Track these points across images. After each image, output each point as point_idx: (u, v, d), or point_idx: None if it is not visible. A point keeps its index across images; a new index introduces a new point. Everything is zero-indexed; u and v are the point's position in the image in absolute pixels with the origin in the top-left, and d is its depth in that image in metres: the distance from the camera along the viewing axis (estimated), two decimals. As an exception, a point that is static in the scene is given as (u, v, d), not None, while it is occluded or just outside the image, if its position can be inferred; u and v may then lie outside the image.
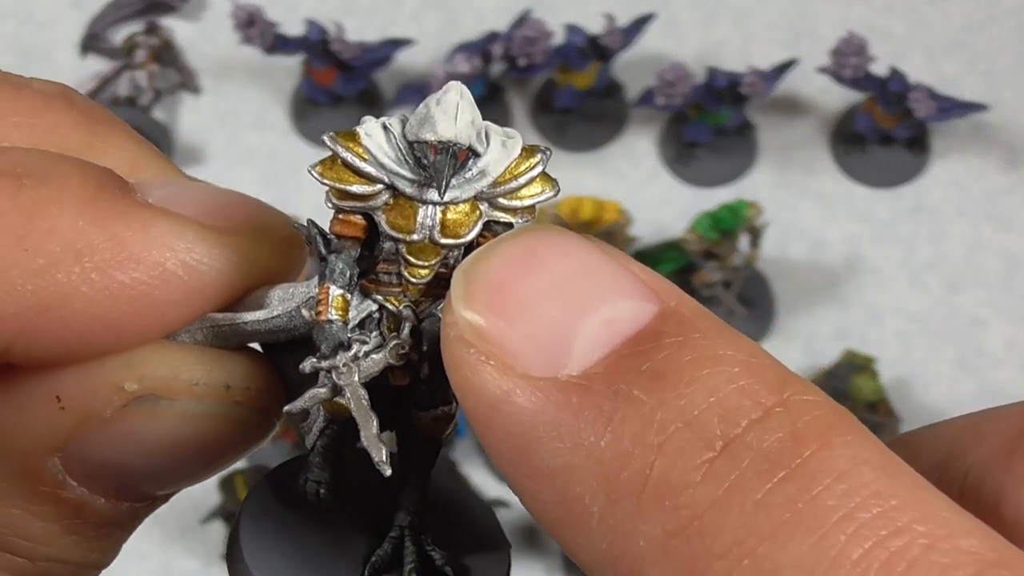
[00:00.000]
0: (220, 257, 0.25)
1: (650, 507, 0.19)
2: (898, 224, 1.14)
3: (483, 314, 0.21)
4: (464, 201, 0.24)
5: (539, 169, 0.24)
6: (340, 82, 1.14)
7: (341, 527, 0.27)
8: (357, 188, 0.24)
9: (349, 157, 0.24)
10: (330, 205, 0.25)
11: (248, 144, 1.18)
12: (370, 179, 0.24)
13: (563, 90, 1.14)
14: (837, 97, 1.16)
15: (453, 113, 0.23)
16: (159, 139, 1.13)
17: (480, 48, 1.13)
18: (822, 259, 1.13)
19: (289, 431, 0.96)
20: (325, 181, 0.24)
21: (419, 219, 0.24)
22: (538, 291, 0.21)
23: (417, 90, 1.14)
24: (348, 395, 0.25)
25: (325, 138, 0.24)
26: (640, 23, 1.16)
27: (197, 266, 0.25)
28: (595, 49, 1.13)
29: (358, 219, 0.25)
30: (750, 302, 1.09)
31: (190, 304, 0.25)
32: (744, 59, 1.17)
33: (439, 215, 0.24)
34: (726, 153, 1.15)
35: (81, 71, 1.20)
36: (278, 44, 1.11)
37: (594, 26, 1.13)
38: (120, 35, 1.22)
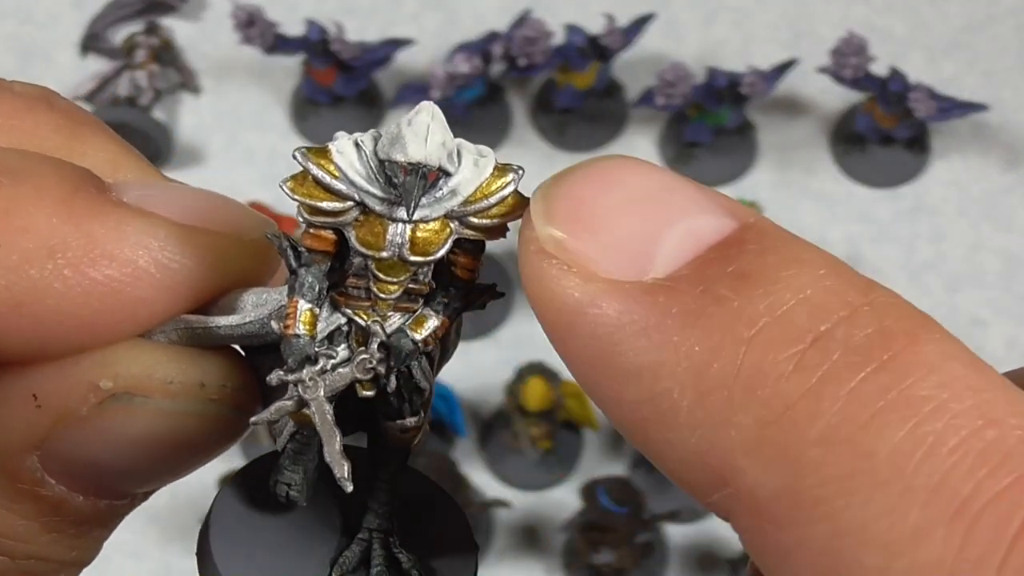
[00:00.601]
0: (193, 256, 0.26)
1: (741, 398, 0.19)
2: (898, 224, 1.14)
3: (564, 226, 0.21)
4: (434, 219, 0.24)
5: (511, 188, 0.24)
6: (340, 82, 1.14)
7: (310, 527, 0.27)
8: (327, 204, 0.24)
9: (319, 174, 0.24)
10: (301, 219, 0.25)
11: (248, 144, 1.18)
12: (340, 196, 0.24)
13: (563, 90, 1.14)
14: (837, 97, 1.16)
15: (424, 135, 0.23)
16: (159, 139, 1.13)
17: (480, 48, 1.13)
18: (822, 259, 1.12)
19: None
20: (295, 197, 0.24)
21: (388, 236, 0.24)
22: (619, 204, 0.21)
23: (417, 90, 1.14)
24: (313, 409, 0.25)
25: (296, 154, 0.24)
26: (640, 23, 1.16)
27: (170, 264, 0.25)
28: (595, 49, 1.13)
29: (328, 234, 0.25)
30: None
31: (163, 302, 0.25)
32: (744, 59, 1.17)
33: (408, 233, 0.24)
34: (726, 153, 1.15)
35: (81, 71, 1.20)
36: (278, 44, 1.11)
37: (594, 26, 1.13)
38: (120, 35, 1.22)
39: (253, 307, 0.26)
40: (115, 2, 1.22)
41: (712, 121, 1.12)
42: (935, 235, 1.13)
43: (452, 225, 0.25)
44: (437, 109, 0.23)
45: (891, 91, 1.08)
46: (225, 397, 0.26)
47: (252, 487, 0.28)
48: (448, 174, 0.24)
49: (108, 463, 0.26)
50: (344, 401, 0.25)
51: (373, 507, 0.27)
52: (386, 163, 0.24)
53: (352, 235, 0.25)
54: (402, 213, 0.24)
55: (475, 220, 0.25)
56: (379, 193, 0.24)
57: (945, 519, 0.18)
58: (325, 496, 0.27)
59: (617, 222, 0.21)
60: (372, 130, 0.25)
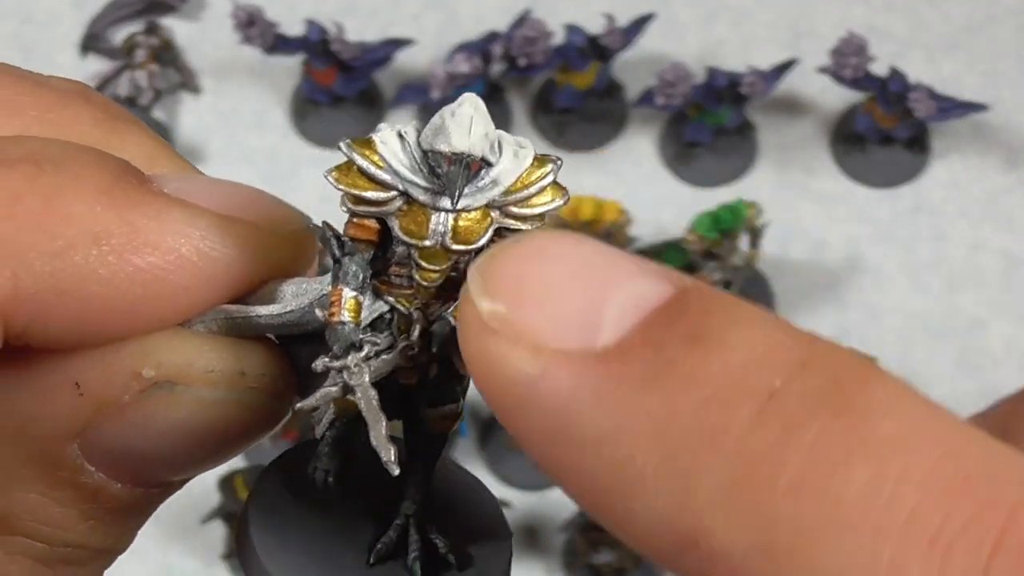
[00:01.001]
0: (233, 246, 0.26)
1: (706, 458, 0.19)
2: (898, 224, 1.14)
3: (506, 301, 0.21)
4: (476, 209, 0.25)
5: (550, 179, 0.25)
6: (340, 82, 1.14)
7: (347, 514, 0.28)
8: (371, 194, 0.25)
9: (364, 164, 0.24)
10: (344, 209, 0.25)
11: (248, 144, 1.18)
12: (384, 186, 0.25)
13: (563, 90, 1.14)
14: (837, 97, 1.16)
15: (467, 125, 0.24)
16: (159, 139, 1.13)
17: (480, 48, 1.13)
18: (822, 259, 1.13)
19: (289, 431, 0.96)
20: (340, 187, 0.25)
21: (432, 225, 0.25)
22: (559, 276, 0.22)
23: (417, 90, 1.14)
24: (359, 395, 0.25)
25: (342, 145, 0.25)
26: (640, 23, 1.16)
27: (210, 253, 0.25)
28: (595, 49, 1.13)
29: (372, 223, 0.25)
30: (750, 302, 1.09)
31: (203, 291, 0.26)
32: (744, 59, 1.17)
33: (451, 222, 0.25)
34: (726, 153, 1.15)
35: (81, 71, 1.20)
36: (278, 44, 1.11)
37: (594, 26, 1.13)
38: (120, 35, 1.22)
39: (293, 297, 0.27)
40: (115, 2, 1.22)
41: (712, 121, 1.12)
42: (935, 235, 1.13)
43: (493, 214, 0.25)
44: (479, 100, 0.24)
45: (891, 91, 1.08)
46: (264, 385, 0.27)
47: (289, 474, 0.28)
48: (490, 164, 0.24)
49: (148, 451, 0.26)
50: (381, 389, 0.26)
51: (409, 493, 0.27)
52: (429, 153, 0.24)
53: (395, 224, 0.25)
54: (446, 202, 0.24)
55: (515, 209, 0.25)
56: (423, 183, 0.24)
57: (919, 553, 0.18)
58: (360, 483, 0.27)
59: (560, 293, 0.21)
60: (414, 121, 0.25)
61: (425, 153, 0.24)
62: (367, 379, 0.25)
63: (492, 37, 1.15)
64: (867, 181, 1.15)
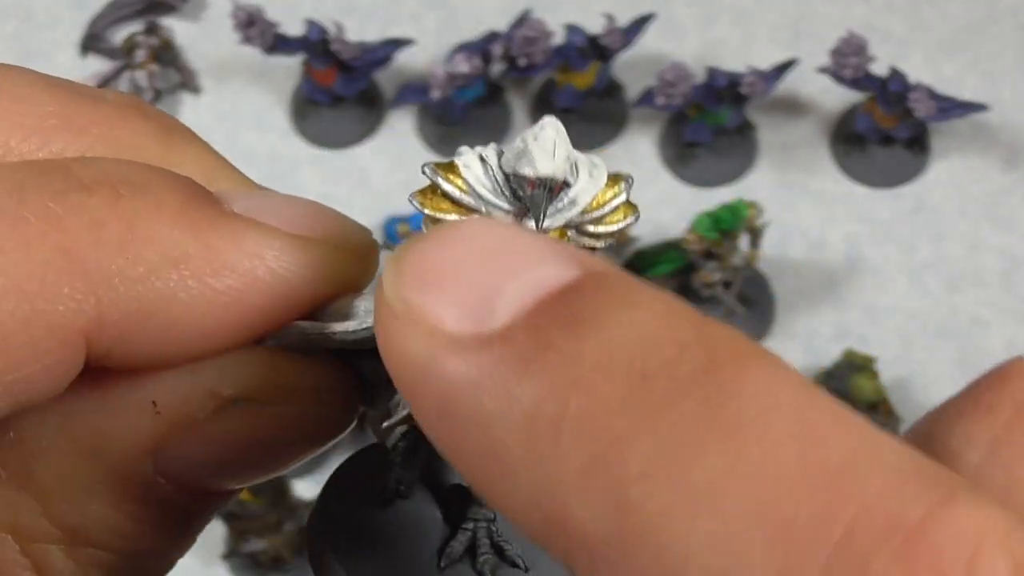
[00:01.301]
0: (304, 265, 0.26)
1: (570, 441, 0.19)
2: (898, 224, 1.14)
3: (411, 286, 0.22)
4: (555, 229, 0.25)
5: (623, 197, 0.26)
6: (340, 82, 1.14)
7: (418, 520, 0.28)
8: (455, 218, 0.25)
9: (449, 188, 0.25)
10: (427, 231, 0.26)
11: (248, 144, 1.18)
12: (468, 209, 0.25)
13: (563, 90, 1.14)
14: (837, 97, 1.16)
15: (551, 150, 0.24)
16: (159, 139, 1.13)
17: (480, 48, 1.13)
18: (822, 259, 1.13)
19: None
20: (425, 211, 0.25)
21: None
22: (460, 259, 0.22)
23: (417, 90, 1.14)
24: None
25: (426, 169, 0.25)
26: (640, 23, 1.16)
27: (284, 273, 0.26)
28: (595, 49, 1.13)
29: None
30: (750, 302, 1.09)
31: (277, 310, 0.26)
32: (744, 59, 1.17)
33: None
34: (726, 153, 1.15)
35: (81, 71, 1.20)
36: (278, 44, 1.11)
37: (594, 26, 1.13)
38: (120, 35, 1.22)
39: (366, 313, 0.27)
40: (115, 2, 1.22)
41: (712, 121, 1.12)
42: (935, 235, 1.13)
43: (569, 234, 0.25)
44: (560, 124, 0.25)
45: (891, 91, 1.09)
46: (335, 400, 0.27)
47: (356, 479, 0.29)
48: (569, 185, 0.25)
49: (221, 464, 0.27)
50: None
51: (477, 498, 0.28)
52: (512, 177, 0.24)
53: None
54: (528, 224, 0.25)
55: (590, 228, 0.26)
56: (506, 206, 0.25)
57: (764, 545, 0.17)
58: (426, 490, 0.28)
59: (459, 278, 0.22)
60: (492, 144, 0.26)
61: (507, 176, 0.25)
62: None
63: (492, 37, 1.15)
64: (867, 181, 1.15)
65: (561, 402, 0.19)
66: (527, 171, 0.24)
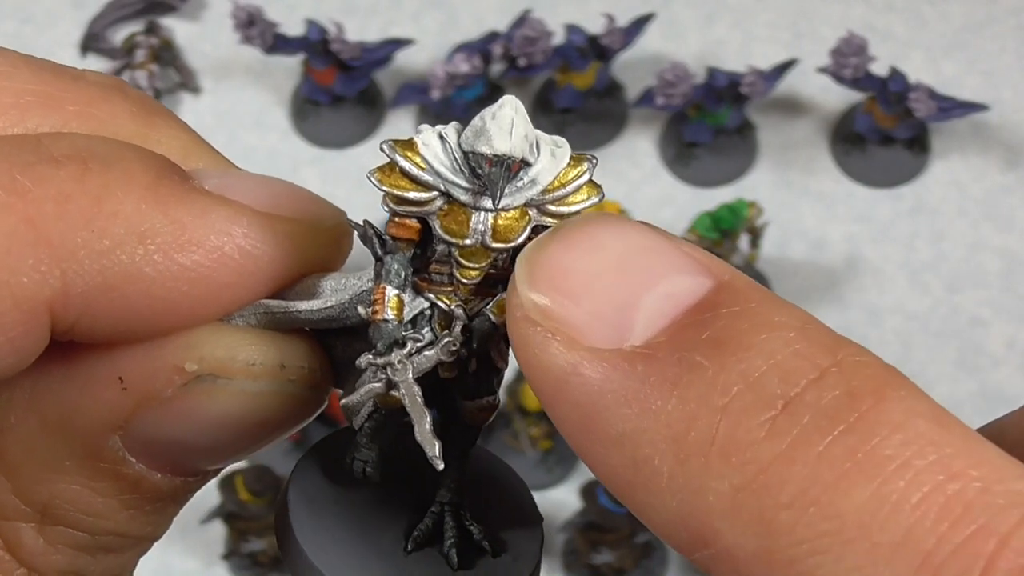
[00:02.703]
0: (273, 243, 0.26)
1: (717, 464, 0.20)
2: (898, 224, 1.14)
3: (548, 294, 0.22)
4: (515, 208, 0.25)
5: (586, 177, 0.26)
6: (340, 82, 1.14)
7: (384, 502, 0.28)
8: (413, 195, 0.25)
9: (407, 165, 0.25)
10: (386, 209, 0.26)
11: (248, 144, 1.18)
12: (426, 186, 0.25)
13: (563, 90, 1.14)
14: (837, 97, 1.16)
15: (508, 128, 0.24)
16: (159, 139, 1.13)
17: (480, 48, 1.13)
18: (822, 259, 1.13)
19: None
20: (383, 187, 0.26)
21: (472, 225, 0.25)
22: (599, 270, 0.22)
23: (417, 90, 1.14)
24: (403, 391, 0.26)
25: (384, 146, 0.25)
26: (640, 23, 1.16)
27: (252, 251, 0.26)
28: (595, 49, 1.13)
29: (413, 222, 0.26)
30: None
31: (245, 287, 0.26)
32: (744, 59, 1.17)
33: (491, 221, 0.25)
34: (726, 153, 1.15)
35: (81, 71, 1.20)
36: (278, 44, 1.11)
37: (594, 26, 1.13)
38: (120, 35, 1.22)
39: (332, 292, 0.27)
40: (115, 2, 1.22)
41: (712, 121, 1.12)
42: (935, 235, 1.13)
43: (531, 212, 0.26)
44: (519, 103, 0.25)
45: (891, 91, 1.09)
46: (303, 377, 0.27)
47: (326, 461, 0.29)
48: (529, 164, 0.25)
49: (189, 442, 0.27)
50: (420, 381, 0.26)
51: (445, 482, 0.28)
52: (470, 155, 0.25)
53: (436, 224, 0.26)
54: (486, 202, 0.25)
55: (553, 208, 0.26)
56: (464, 184, 0.25)
57: (909, 569, 0.18)
58: (397, 471, 0.28)
59: (597, 289, 0.22)
60: (454, 122, 0.26)
61: (466, 154, 0.25)
62: (411, 376, 0.26)
63: (492, 37, 1.15)
64: (867, 181, 1.15)
65: (709, 426, 0.20)
66: (484, 149, 0.24)
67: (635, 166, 1.16)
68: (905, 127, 1.11)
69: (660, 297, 0.22)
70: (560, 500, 1.03)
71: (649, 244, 0.23)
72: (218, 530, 1.01)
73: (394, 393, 0.26)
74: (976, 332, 1.09)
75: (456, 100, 1.12)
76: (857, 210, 1.14)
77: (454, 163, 0.25)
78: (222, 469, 0.29)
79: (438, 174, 0.25)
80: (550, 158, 0.25)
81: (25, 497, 0.26)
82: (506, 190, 0.25)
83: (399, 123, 1.18)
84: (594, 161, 0.26)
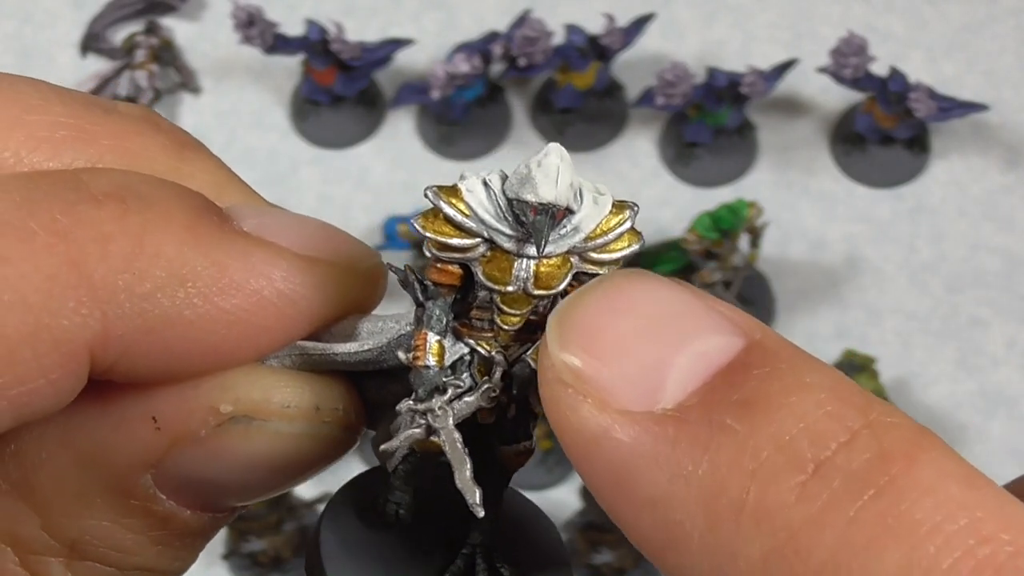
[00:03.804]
0: (311, 286, 0.26)
1: (748, 529, 0.20)
2: (898, 224, 1.14)
3: (579, 355, 0.22)
4: (557, 255, 0.25)
5: (628, 225, 0.25)
6: (340, 82, 1.14)
7: (417, 543, 0.28)
8: (457, 241, 0.25)
9: (452, 213, 0.25)
10: (429, 254, 0.26)
11: (248, 144, 1.18)
12: (470, 233, 0.25)
13: (563, 90, 1.14)
14: (837, 97, 1.16)
15: (554, 177, 0.24)
16: (159, 139, 1.13)
17: (480, 48, 1.13)
18: (822, 259, 1.13)
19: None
20: (427, 234, 0.25)
21: (515, 272, 0.25)
22: (630, 331, 0.22)
23: (417, 90, 1.14)
24: (443, 438, 0.26)
25: (428, 193, 0.25)
26: (640, 23, 1.16)
27: (291, 294, 0.26)
28: (595, 49, 1.13)
29: (455, 268, 0.26)
30: (750, 302, 1.09)
31: (282, 331, 0.26)
32: (744, 59, 1.17)
33: (533, 268, 0.25)
34: (726, 153, 1.15)
35: (81, 71, 1.20)
36: (278, 44, 1.11)
37: (594, 26, 1.13)
38: (120, 35, 1.22)
39: (368, 335, 0.27)
40: (115, 2, 1.22)
41: (712, 121, 1.12)
42: (935, 235, 1.13)
43: (572, 260, 0.25)
44: (564, 151, 0.24)
45: (891, 91, 1.09)
46: (337, 419, 0.27)
47: (359, 499, 0.28)
48: (572, 212, 0.25)
49: (221, 482, 0.27)
50: (458, 426, 0.26)
51: (476, 523, 0.28)
52: (515, 202, 0.24)
53: (479, 270, 0.25)
54: (531, 250, 0.25)
55: (594, 255, 0.26)
56: (508, 231, 0.25)
57: None
58: (427, 513, 0.28)
59: (628, 350, 0.22)
60: (498, 169, 0.25)
61: (510, 201, 0.25)
62: (451, 422, 0.26)
63: (492, 37, 1.15)
64: (867, 181, 1.15)
65: (739, 490, 0.20)
66: (529, 197, 0.24)
67: (635, 166, 1.16)
68: (905, 127, 1.11)
69: (691, 358, 0.22)
70: (560, 500, 1.03)
71: (679, 303, 0.23)
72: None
73: (434, 439, 0.26)
74: (976, 332, 1.09)
75: (456, 100, 1.12)
76: (857, 210, 1.14)
77: (498, 210, 0.25)
78: (250, 505, 0.29)
79: (482, 221, 0.25)
80: (593, 205, 0.25)
81: (54, 532, 0.26)
82: (550, 237, 0.25)
83: (399, 123, 1.18)
84: (636, 209, 0.26)
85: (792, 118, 1.18)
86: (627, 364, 0.22)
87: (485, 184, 0.25)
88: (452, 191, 0.25)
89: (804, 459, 0.20)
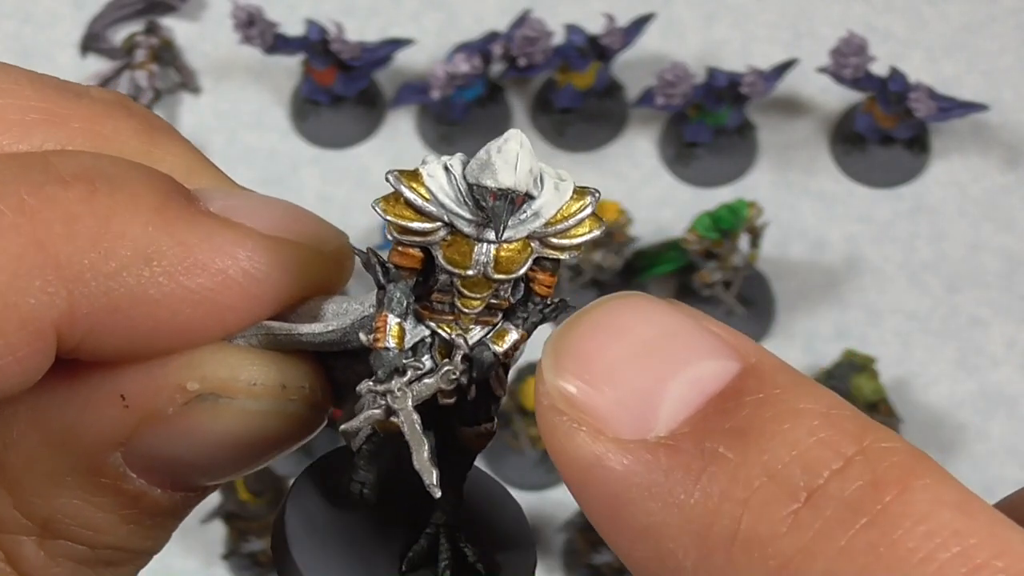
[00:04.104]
0: (277, 267, 0.27)
1: (740, 559, 0.20)
2: (898, 224, 1.14)
3: (573, 383, 0.22)
4: (517, 240, 0.26)
5: (589, 211, 0.26)
6: (340, 82, 1.14)
7: (380, 522, 0.28)
8: (417, 225, 0.25)
9: (412, 196, 0.25)
10: (390, 237, 0.26)
11: (248, 144, 1.18)
12: (430, 217, 0.25)
13: (563, 90, 1.14)
14: (837, 97, 1.16)
15: (513, 162, 0.24)
16: (159, 139, 1.13)
17: (480, 48, 1.13)
18: (822, 259, 1.13)
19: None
20: (388, 218, 0.25)
21: (475, 256, 0.26)
22: (623, 357, 0.22)
23: (417, 90, 1.14)
24: (402, 419, 0.26)
25: (389, 176, 0.25)
26: (640, 23, 1.16)
27: (256, 274, 0.26)
28: (595, 49, 1.13)
29: (416, 252, 0.26)
30: (750, 302, 1.09)
31: (248, 310, 0.26)
32: (744, 59, 1.17)
33: (493, 252, 0.26)
34: (726, 153, 1.15)
35: (81, 71, 1.20)
36: (278, 44, 1.11)
37: (594, 26, 1.13)
38: (120, 35, 1.22)
39: (333, 316, 0.28)
40: (115, 2, 1.22)
41: (712, 121, 1.12)
42: (935, 235, 1.13)
43: (533, 244, 0.26)
44: (524, 137, 0.25)
45: (891, 91, 1.08)
46: (303, 398, 0.28)
47: (324, 480, 0.29)
48: (532, 198, 0.25)
49: (190, 459, 0.27)
50: (419, 407, 0.27)
51: (441, 504, 0.28)
52: (475, 187, 0.25)
53: (439, 254, 0.26)
54: (490, 234, 0.25)
55: (555, 240, 0.26)
56: (468, 215, 0.25)
57: None
58: (393, 493, 0.28)
59: (621, 377, 0.22)
60: (459, 154, 0.26)
61: (471, 186, 0.25)
62: (410, 404, 0.26)
63: (492, 37, 1.15)
64: (867, 181, 1.15)
65: (732, 520, 0.20)
66: (489, 182, 0.24)
67: (635, 166, 1.16)
68: (905, 127, 1.11)
69: (684, 385, 0.22)
70: (560, 500, 1.03)
71: (674, 327, 0.23)
72: (218, 530, 1.01)
73: (393, 420, 0.26)
74: (976, 332, 1.09)
75: (456, 100, 1.12)
76: (857, 210, 1.14)
77: (458, 194, 0.25)
78: (221, 485, 0.29)
79: (442, 205, 0.25)
80: (553, 191, 0.25)
81: (26, 511, 0.26)
82: (509, 223, 0.25)
83: (399, 123, 1.18)
84: (597, 195, 0.26)
85: (792, 118, 1.18)
86: (621, 391, 0.22)
87: (446, 169, 0.25)
88: (413, 175, 0.25)
89: (796, 488, 0.20)
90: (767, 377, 0.22)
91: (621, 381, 0.22)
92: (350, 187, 1.15)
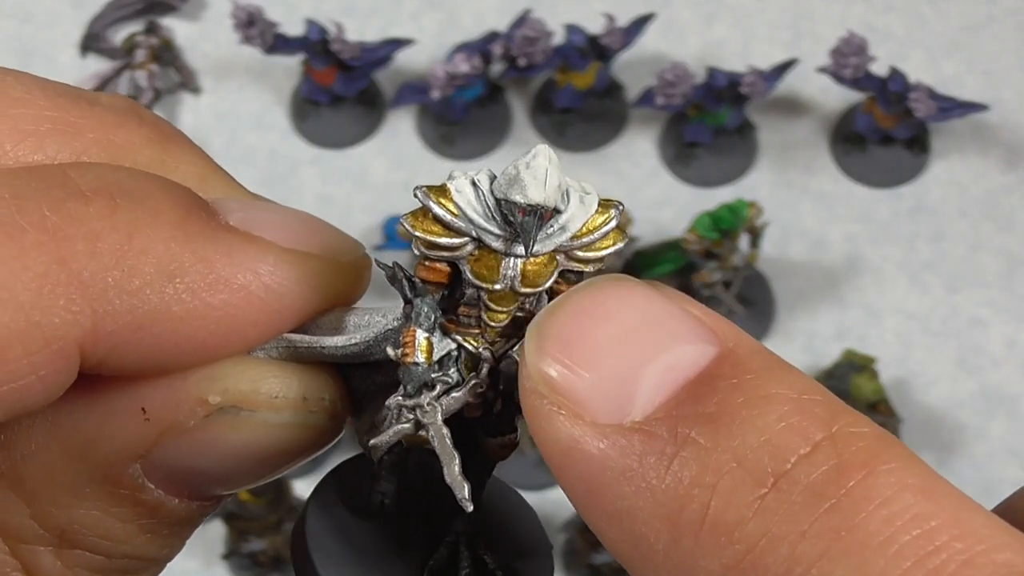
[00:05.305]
0: (297, 280, 0.27)
1: (708, 544, 0.20)
2: (898, 224, 1.14)
3: (554, 366, 0.23)
4: (544, 254, 0.26)
5: (613, 224, 0.26)
6: (340, 82, 1.14)
7: (401, 531, 0.29)
8: (446, 240, 0.25)
9: (441, 212, 0.25)
10: (417, 252, 0.26)
11: (248, 144, 1.18)
12: (458, 232, 0.25)
13: (563, 90, 1.14)
14: (837, 97, 1.16)
15: (543, 178, 0.24)
16: (159, 139, 1.13)
17: (480, 48, 1.13)
18: (822, 259, 1.13)
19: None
20: (416, 233, 0.25)
21: (502, 270, 0.26)
22: (603, 342, 0.23)
23: (417, 90, 1.14)
24: (431, 433, 0.26)
25: (417, 192, 0.25)
26: (640, 23, 1.16)
27: (278, 288, 0.26)
28: (595, 49, 1.13)
29: (443, 266, 0.26)
30: (750, 302, 1.09)
31: (269, 324, 0.27)
32: (744, 59, 1.17)
33: (520, 266, 0.26)
34: (726, 153, 1.15)
35: (81, 71, 1.20)
36: (278, 44, 1.11)
37: (594, 26, 1.13)
38: (120, 35, 1.22)
39: (355, 328, 0.28)
40: (115, 2, 1.22)
41: (712, 121, 1.12)
42: (935, 235, 1.13)
43: (559, 258, 0.26)
44: (552, 153, 0.25)
45: (891, 91, 1.08)
46: (323, 409, 0.28)
47: (343, 489, 0.29)
48: (560, 212, 0.25)
49: (209, 470, 0.27)
50: (447, 419, 0.27)
51: (460, 512, 0.28)
52: (503, 202, 0.25)
53: (467, 269, 0.26)
54: (519, 249, 0.25)
55: (580, 253, 0.26)
56: (496, 230, 0.25)
57: None
58: (414, 501, 0.28)
59: (601, 361, 0.22)
60: (486, 168, 0.26)
61: (499, 201, 0.25)
62: (439, 418, 0.26)
63: (492, 37, 1.15)
64: (867, 181, 1.15)
65: (701, 505, 0.20)
66: (518, 198, 0.24)
67: (635, 166, 1.16)
68: (905, 127, 1.11)
69: (662, 370, 0.22)
70: (560, 500, 1.03)
71: (655, 312, 0.23)
72: (218, 530, 1.01)
73: (422, 433, 0.26)
74: (976, 332, 1.09)
75: (456, 100, 1.12)
76: (857, 210, 1.14)
77: (486, 210, 0.25)
78: (237, 493, 0.30)
79: (471, 220, 0.25)
80: (579, 205, 0.25)
81: (43, 521, 0.26)
82: (538, 237, 0.25)
83: (399, 123, 1.18)
84: (621, 208, 0.26)
85: (792, 118, 1.18)
86: (599, 375, 0.22)
87: (474, 184, 0.25)
88: (441, 191, 0.25)
89: (764, 473, 0.20)
90: (742, 362, 0.22)
91: (601, 366, 0.22)
92: (350, 187, 1.15)
